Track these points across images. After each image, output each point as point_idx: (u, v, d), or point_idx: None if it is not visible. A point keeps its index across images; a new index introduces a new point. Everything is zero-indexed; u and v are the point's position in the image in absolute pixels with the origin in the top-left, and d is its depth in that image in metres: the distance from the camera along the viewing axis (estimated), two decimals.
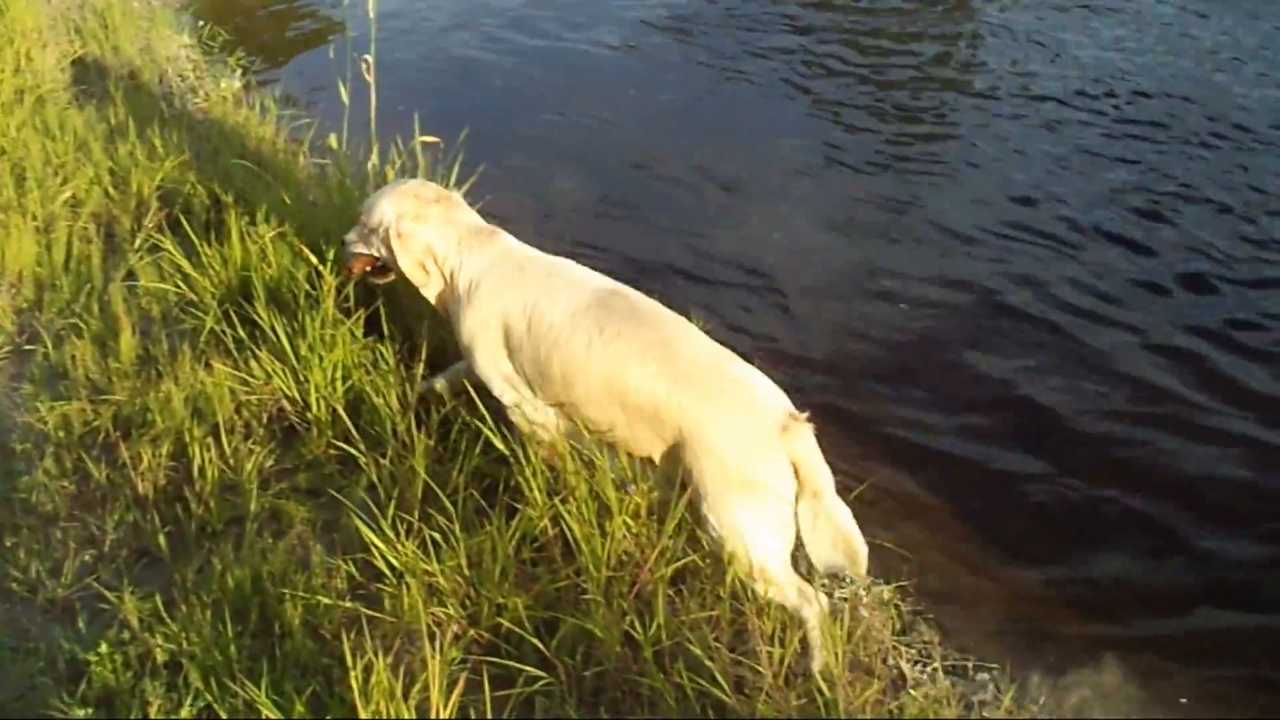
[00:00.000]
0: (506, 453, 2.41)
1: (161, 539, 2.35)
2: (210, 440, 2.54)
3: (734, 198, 4.62)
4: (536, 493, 2.31)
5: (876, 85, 5.65)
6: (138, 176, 3.72)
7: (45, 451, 2.61)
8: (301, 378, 2.73)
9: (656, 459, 2.28)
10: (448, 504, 2.31)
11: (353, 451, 2.55)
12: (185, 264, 3.17)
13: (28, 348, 3.00)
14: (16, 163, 3.81)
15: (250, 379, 2.76)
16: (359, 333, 2.83)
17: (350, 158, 3.62)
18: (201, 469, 2.48)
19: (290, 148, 4.45)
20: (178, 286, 3.15)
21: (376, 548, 2.22)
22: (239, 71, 5.47)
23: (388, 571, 2.20)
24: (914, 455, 3.13)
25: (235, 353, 2.83)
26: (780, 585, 2.19)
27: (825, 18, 6.43)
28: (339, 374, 2.74)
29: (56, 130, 4.05)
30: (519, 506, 2.32)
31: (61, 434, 2.65)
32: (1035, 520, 2.98)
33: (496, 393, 2.47)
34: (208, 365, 2.79)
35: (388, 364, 2.78)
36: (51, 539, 2.39)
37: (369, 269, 2.74)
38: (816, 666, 2.15)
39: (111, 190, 3.72)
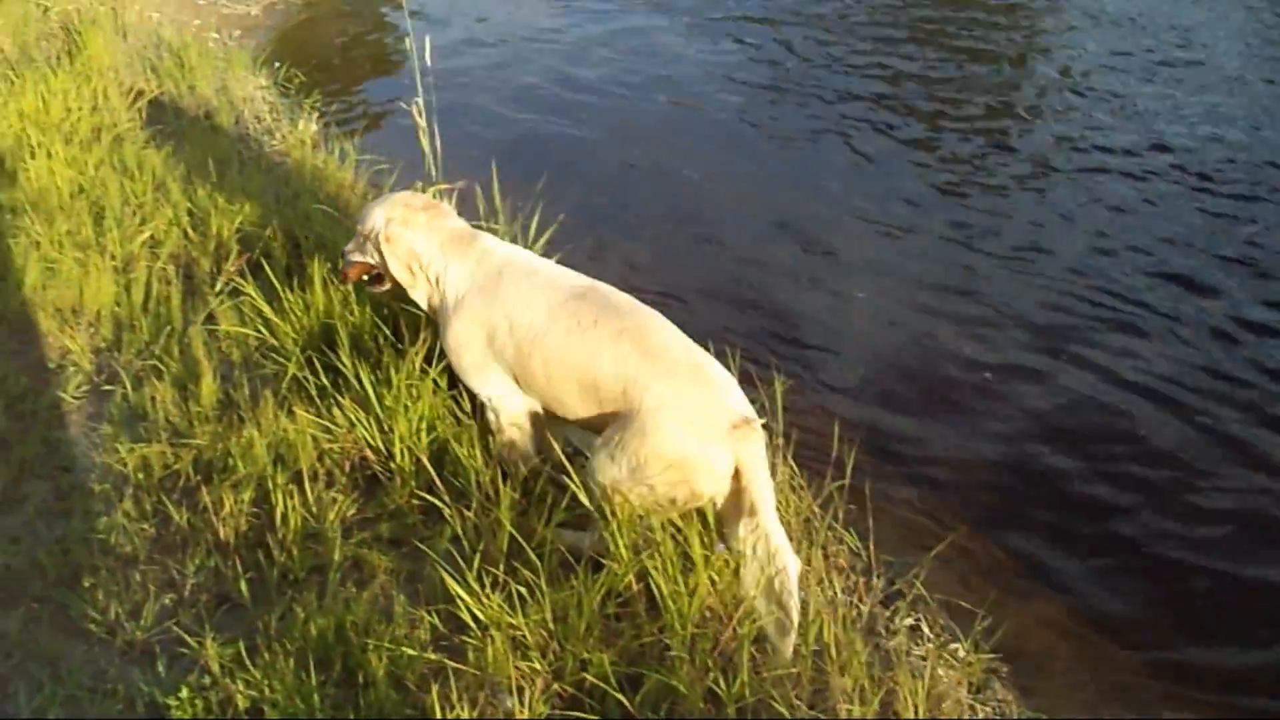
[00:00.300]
0: (591, 508, 2.64)
1: (243, 585, 2.60)
2: (293, 487, 2.80)
3: (810, 256, 5.01)
4: (622, 548, 2.53)
5: (953, 144, 6.16)
6: (217, 219, 4.11)
7: (124, 493, 2.90)
8: (386, 427, 2.99)
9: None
10: (533, 557, 2.53)
11: (437, 503, 2.78)
12: (267, 309, 3.50)
13: (106, 388, 3.34)
14: (95, 201, 4.26)
15: (333, 427, 3.03)
16: (444, 383, 3.09)
17: None
18: (284, 516, 2.73)
19: (369, 192, 4.87)
20: (259, 331, 3.48)
21: (462, 599, 2.43)
22: (316, 114, 5.96)
23: (472, 624, 2.42)
24: (992, 516, 3.46)
25: (318, 400, 3.11)
26: (643, 509, 2.55)
27: (899, 87, 6.93)
28: (424, 424, 2.99)
29: (135, 169, 4.50)
30: (604, 561, 2.54)
31: (141, 476, 2.94)
32: (1116, 582, 3.26)
33: (476, 391, 2.92)
34: (290, 412, 3.07)
35: (472, 416, 3.03)
36: (131, 581, 2.65)
37: (365, 277, 3.17)
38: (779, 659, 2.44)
39: (190, 232, 4.11)
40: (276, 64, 6.63)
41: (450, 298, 2.88)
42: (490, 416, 2.90)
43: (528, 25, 8.02)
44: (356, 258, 3.12)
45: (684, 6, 8.49)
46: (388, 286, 3.12)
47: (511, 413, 2.86)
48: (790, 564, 2.47)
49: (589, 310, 2.69)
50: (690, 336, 2.76)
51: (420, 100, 3.81)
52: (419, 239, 2.96)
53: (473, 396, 2.96)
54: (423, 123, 3.82)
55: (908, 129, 6.32)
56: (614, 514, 2.56)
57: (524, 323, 2.73)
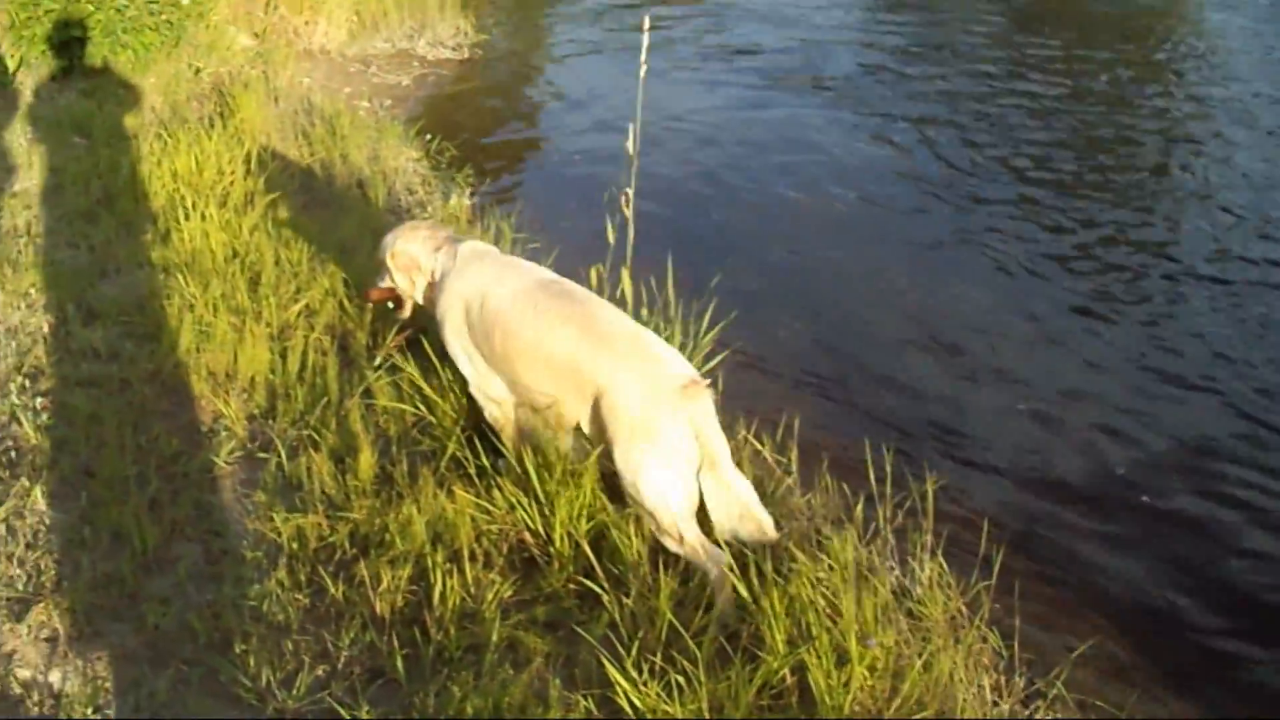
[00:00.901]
0: (748, 599, 3.18)
1: (398, 661, 3.08)
2: (450, 566, 3.32)
3: (958, 359, 5.66)
4: (778, 640, 3.00)
5: (1104, 253, 6.81)
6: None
7: (278, 562, 3.48)
8: (546, 511, 3.52)
9: (584, 425, 3.55)
10: (691, 645, 2.99)
11: (595, 588, 3.27)
12: (426, 386, 4.14)
13: (260, 455, 3.97)
14: (250, 266, 5.08)
15: (492, 508, 3.56)
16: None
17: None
18: (442, 594, 3.24)
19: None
20: (417, 409, 4.11)
21: (619, 686, 2.88)
22: (468, 190, 6.81)
23: (629, 711, 2.84)
24: (1141, 619, 4.01)
25: (477, 480, 3.68)
26: (668, 522, 3.31)
27: (1046, 192, 7.61)
28: (584, 510, 3.51)
29: (290, 237, 5.35)
30: (759, 653, 3.00)
31: (296, 546, 3.52)
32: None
33: (460, 367, 3.87)
34: (449, 491, 3.62)
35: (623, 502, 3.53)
36: (283, 650, 3.19)
37: (389, 304, 4.28)
38: (715, 613, 3.19)
39: (346, 304, 4.86)
40: (428, 136, 7.57)
41: (439, 278, 3.98)
42: (473, 393, 3.87)
43: (670, 108, 8.80)
44: (380, 284, 4.24)
45: (830, 95, 9.52)
46: (407, 311, 4.26)
47: (490, 391, 3.81)
48: (751, 502, 3.37)
49: (547, 298, 3.66)
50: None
51: (630, 190, 4.43)
52: (415, 246, 4.08)
53: (464, 386, 3.91)
54: (630, 213, 4.43)
55: (1055, 238, 6.93)
56: (771, 605, 3.09)
57: (492, 300, 3.71)
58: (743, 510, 3.35)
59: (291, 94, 7.72)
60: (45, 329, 4.74)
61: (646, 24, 4.44)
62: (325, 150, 6.69)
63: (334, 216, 5.72)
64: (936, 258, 6.72)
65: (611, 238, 4.49)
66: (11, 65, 7.61)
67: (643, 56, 4.37)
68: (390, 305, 4.33)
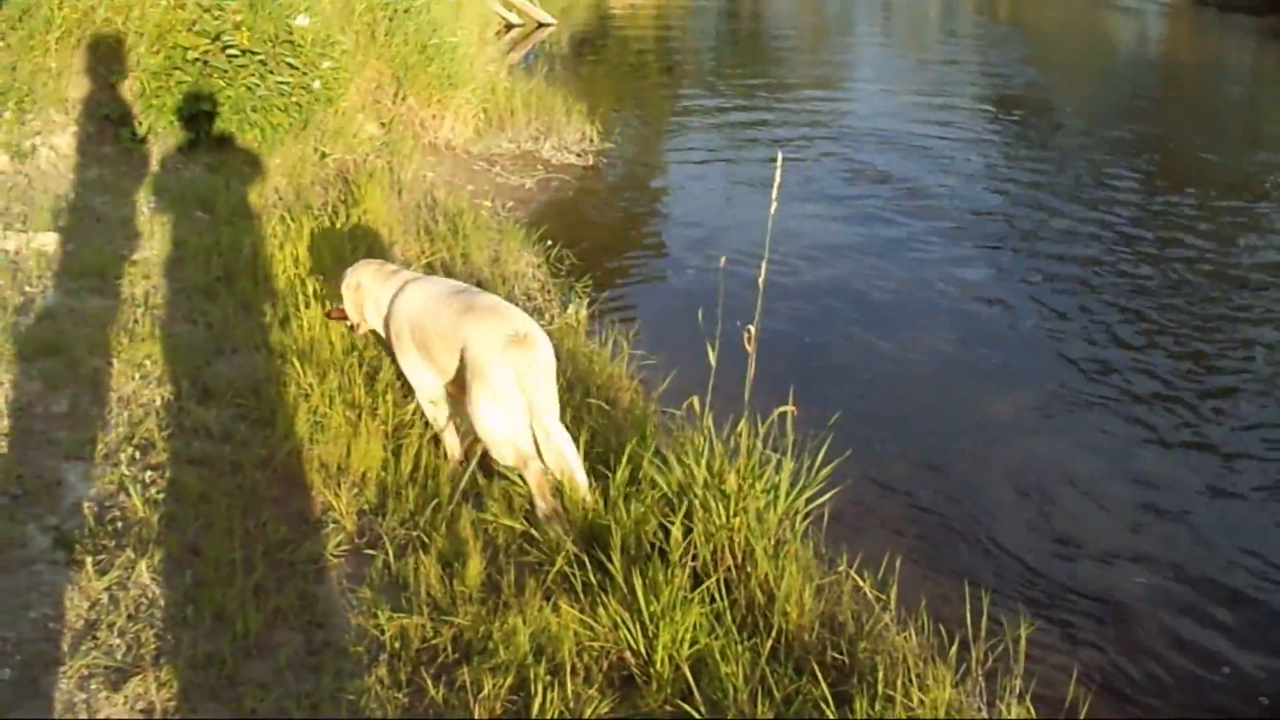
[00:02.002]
0: None
1: None
2: (551, 679, 3.61)
3: (1050, 511, 5.94)
4: None
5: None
6: None
7: (379, 659, 3.79)
8: (650, 632, 3.79)
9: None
10: None
11: (693, 713, 3.51)
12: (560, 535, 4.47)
13: (367, 551, 4.31)
14: (369, 360, 5.51)
15: (596, 625, 3.85)
16: (719, 595, 3.91)
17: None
18: (541, 707, 3.51)
19: (635, 386, 5.97)
20: (526, 524, 4.44)
21: None
22: (586, 300, 7.23)
23: None
24: None
25: (582, 596, 3.97)
26: (497, 446, 4.45)
27: (1167, 358, 7.81)
28: (688, 635, 3.78)
29: None
30: None
31: (398, 645, 3.83)
32: None
33: (405, 371, 4.96)
34: (555, 605, 3.92)
35: (734, 634, 3.82)
36: None
37: (343, 320, 5.32)
38: (540, 514, 4.33)
39: None
40: (549, 242, 8.07)
41: (386, 306, 5.03)
42: (418, 397, 4.94)
43: (791, 232, 9.31)
44: (341, 306, 5.29)
45: (953, 232, 10.03)
46: (361, 330, 5.28)
47: (427, 390, 4.89)
48: (568, 454, 4.42)
49: (450, 295, 4.81)
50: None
51: (753, 328, 4.75)
52: (365, 277, 5.16)
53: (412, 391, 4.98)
54: (752, 348, 4.75)
55: (1167, 411, 7.06)
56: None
57: (419, 307, 4.83)
58: (559, 460, 4.41)
59: (415, 187, 8.30)
60: (159, 402, 5.18)
61: (779, 160, 4.76)
62: (447, 248, 7.18)
63: None
64: (1042, 412, 7.01)
65: (713, 359, 4.79)
66: (140, 132, 8.30)
67: (774, 193, 4.70)
68: (347, 326, 5.39)
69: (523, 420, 4.38)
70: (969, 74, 19.35)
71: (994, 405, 7.02)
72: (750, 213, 9.68)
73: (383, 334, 5.15)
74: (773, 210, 4.66)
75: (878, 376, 7.28)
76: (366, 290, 5.14)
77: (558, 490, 4.44)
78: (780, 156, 4.75)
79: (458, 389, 4.69)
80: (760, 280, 4.63)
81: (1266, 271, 9.45)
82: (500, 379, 4.37)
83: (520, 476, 4.54)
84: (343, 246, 6.56)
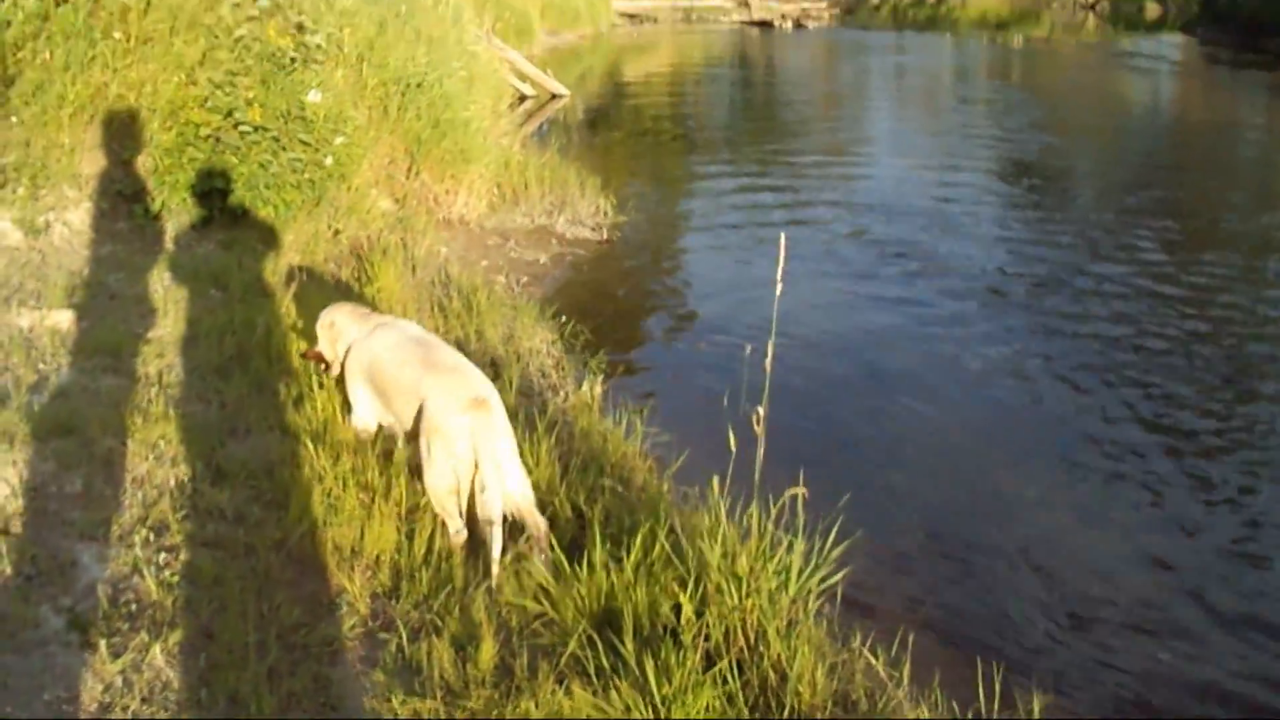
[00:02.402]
0: None
1: None
2: None
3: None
4: None
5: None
6: None
7: None
8: (661, 715, 3.91)
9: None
10: None
11: None
12: (550, 581, 4.62)
13: (381, 634, 4.44)
14: (382, 443, 5.68)
15: (608, 708, 3.97)
16: (732, 676, 4.03)
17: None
18: None
19: (649, 464, 6.13)
20: (540, 603, 4.58)
21: None
22: (601, 376, 7.41)
23: None
24: None
25: (595, 679, 4.10)
26: (442, 500, 4.90)
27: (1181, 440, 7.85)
28: (700, 717, 3.89)
29: None
30: None
31: None
32: None
33: (351, 400, 5.62)
34: (568, 689, 4.05)
35: (746, 715, 3.95)
36: None
37: (319, 361, 5.92)
38: (494, 565, 4.78)
39: None
40: (563, 318, 8.28)
41: (350, 341, 5.62)
42: (353, 421, 5.64)
43: (805, 304, 9.64)
44: (317, 348, 5.88)
45: (969, 305, 10.25)
46: (335, 370, 5.81)
47: (358, 419, 5.62)
48: (525, 504, 4.88)
49: (407, 345, 5.32)
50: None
51: (762, 410, 4.92)
52: (337, 316, 5.76)
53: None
54: (761, 431, 4.91)
55: (1182, 493, 7.13)
56: None
57: (382, 353, 5.35)
58: (517, 508, 4.87)
59: (429, 263, 8.52)
60: (173, 483, 5.34)
61: (784, 243, 4.94)
62: (460, 326, 7.38)
63: None
64: (1057, 487, 7.14)
65: (733, 445, 4.94)
66: (153, 209, 8.55)
67: (779, 275, 4.88)
68: (322, 367, 5.96)
69: (467, 480, 4.83)
70: (983, 141, 19.68)
71: (1008, 479, 7.17)
72: (765, 287, 9.85)
73: (339, 359, 5.75)
74: (778, 293, 4.85)
75: (891, 450, 7.46)
76: (340, 329, 5.71)
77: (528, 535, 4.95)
78: (784, 239, 4.93)
79: (410, 436, 5.21)
80: (767, 364, 4.80)
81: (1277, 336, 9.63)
82: (457, 440, 4.79)
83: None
84: None
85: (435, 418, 4.87)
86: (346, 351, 5.64)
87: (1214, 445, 7.69)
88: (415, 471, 5.17)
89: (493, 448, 4.80)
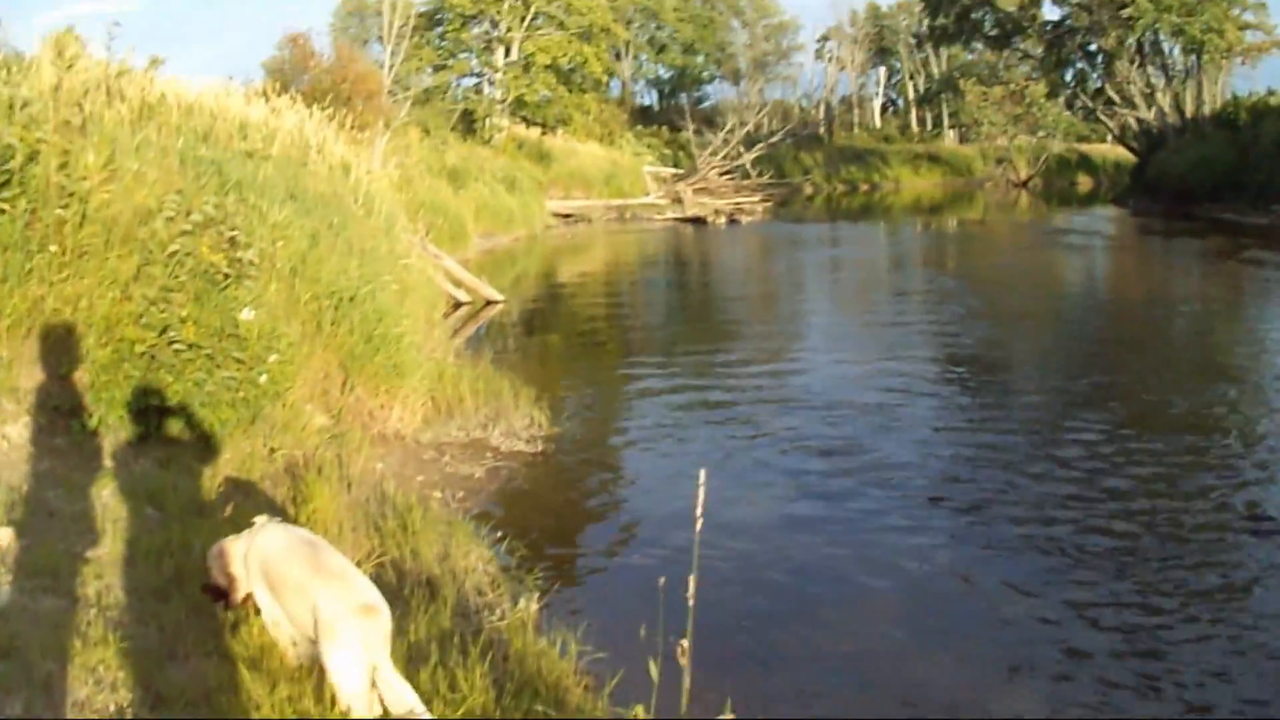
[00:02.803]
0: None
1: None
2: None
3: None
4: None
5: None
6: (439, 707, 5.67)
7: None
8: None
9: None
10: None
11: None
12: None
13: None
14: (318, 671, 5.95)
15: None
16: None
17: None
18: None
19: (586, 684, 6.41)
20: None
21: None
22: (536, 594, 7.75)
23: None
24: None
25: None
26: (352, 701, 5.22)
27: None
28: None
29: None
30: None
31: None
32: None
33: (260, 607, 5.94)
34: None
35: None
36: None
37: (217, 599, 6.17)
38: None
39: None
40: (499, 534, 8.66)
41: (244, 552, 5.97)
42: (270, 630, 5.93)
43: (742, 509, 10.03)
44: (213, 581, 6.13)
45: (899, 499, 10.59)
46: (236, 598, 6.05)
47: (268, 619, 5.92)
48: (414, 705, 5.25)
49: (297, 547, 5.78)
50: None
51: (687, 643, 5.25)
52: (224, 543, 6.11)
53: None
54: (687, 664, 5.24)
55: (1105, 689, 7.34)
56: None
57: (270, 551, 5.81)
58: (402, 703, 5.25)
59: (365, 480, 8.88)
60: (112, 709, 5.55)
61: (702, 479, 5.24)
62: (396, 546, 7.71)
63: (401, 618, 6.61)
64: (1004, 696, 7.25)
65: (655, 675, 5.25)
66: (90, 425, 8.88)
67: (698, 511, 5.20)
68: (223, 607, 6.19)
69: (369, 679, 5.26)
70: (919, 332, 20.40)
71: (947, 686, 7.35)
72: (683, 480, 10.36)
73: (241, 575, 6.04)
74: (698, 528, 5.15)
75: (823, 662, 7.61)
76: (226, 550, 6.08)
77: None
78: (704, 474, 5.20)
79: (303, 635, 5.68)
80: (690, 596, 5.14)
81: (1223, 526, 9.84)
82: (353, 644, 5.26)
83: None
84: None
85: (329, 623, 5.31)
86: (245, 556, 6.02)
87: (1164, 649, 7.83)
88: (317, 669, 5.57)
89: (382, 649, 5.34)
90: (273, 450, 9.03)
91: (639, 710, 5.36)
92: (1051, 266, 34.10)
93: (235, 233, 10.33)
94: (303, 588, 5.52)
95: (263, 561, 5.84)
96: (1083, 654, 7.69)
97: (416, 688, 5.80)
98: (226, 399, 9.24)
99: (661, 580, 5.44)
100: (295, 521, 7.47)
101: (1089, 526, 9.84)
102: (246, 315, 9.60)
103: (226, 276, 9.81)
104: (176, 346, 9.06)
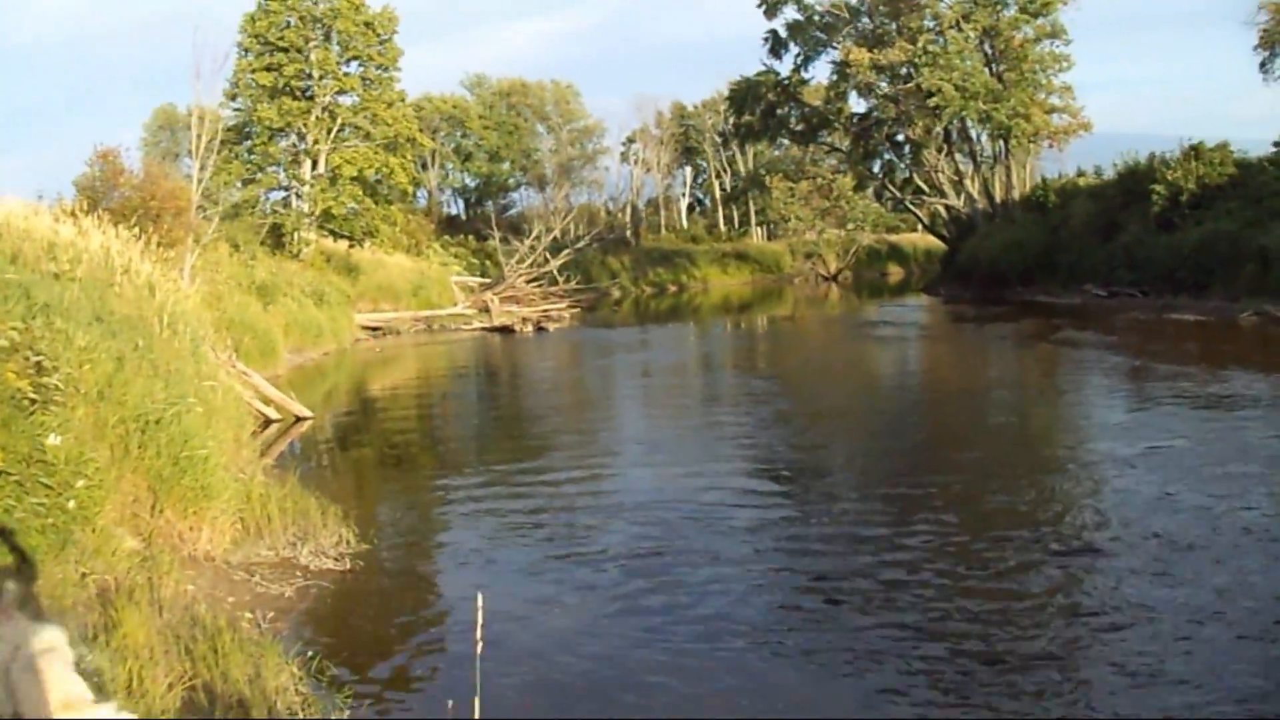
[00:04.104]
0: None
1: None
2: None
3: None
4: None
5: None
6: None
7: None
8: None
9: None
10: None
11: None
12: None
13: None
14: None
15: None
16: None
17: None
18: None
19: None
20: None
21: None
22: (347, 711, 7.95)
23: None
24: None
25: None
26: None
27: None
28: None
29: None
30: None
31: None
32: None
33: None
34: None
35: None
36: None
37: None
38: None
39: None
40: (310, 651, 8.83)
41: None
42: None
43: (540, 640, 10.23)
44: None
45: (699, 614, 10.56)
46: None
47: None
48: None
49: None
50: None
51: None
52: None
53: None
54: None
55: None
56: None
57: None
58: None
59: (176, 603, 8.96)
60: None
61: (480, 604, 5.54)
62: (207, 668, 7.84)
63: None
64: None
65: None
66: None
67: (477, 635, 5.47)
68: None
69: None
70: (733, 439, 20.34)
71: None
72: (509, 607, 10.54)
73: None
74: (478, 651, 5.48)
75: None
76: None
77: None
78: (480, 601, 5.57)
79: None
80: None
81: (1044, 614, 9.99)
82: None
83: None
84: (105, 676, 7.16)
85: None
86: None
87: None
88: None
89: None
90: (84, 575, 9.05)
91: None
92: (865, 360, 35.03)
93: (41, 357, 10.38)
94: None
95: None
96: None
97: None
98: (36, 525, 9.22)
99: (450, 703, 5.85)
100: (106, 648, 7.56)
101: (925, 633, 9.75)
102: (53, 441, 9.64)
103: (33, 401, 9.84)
104: None
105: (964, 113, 57.09)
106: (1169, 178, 44.09)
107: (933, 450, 18.82)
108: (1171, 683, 8.43)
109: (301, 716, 7.75)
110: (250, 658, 8.27)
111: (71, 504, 9.53)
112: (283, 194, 52.54)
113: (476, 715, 5.40)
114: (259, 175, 51.42)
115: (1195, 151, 44.66)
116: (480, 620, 5.46)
